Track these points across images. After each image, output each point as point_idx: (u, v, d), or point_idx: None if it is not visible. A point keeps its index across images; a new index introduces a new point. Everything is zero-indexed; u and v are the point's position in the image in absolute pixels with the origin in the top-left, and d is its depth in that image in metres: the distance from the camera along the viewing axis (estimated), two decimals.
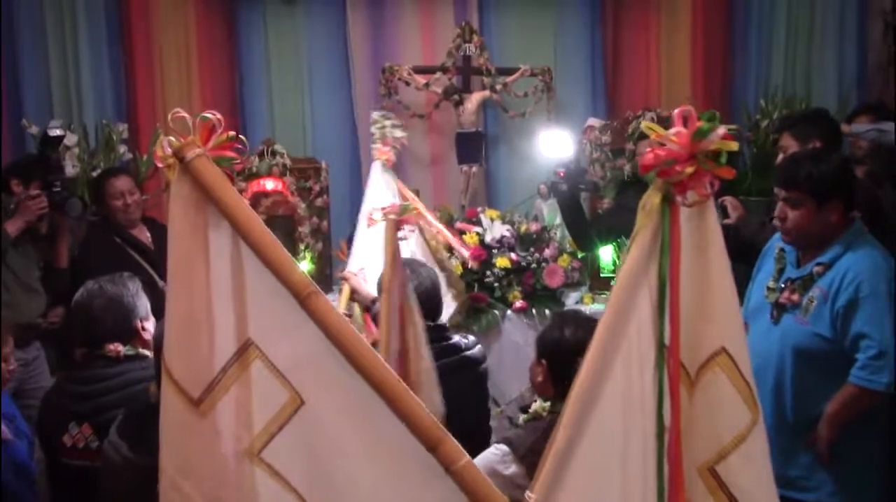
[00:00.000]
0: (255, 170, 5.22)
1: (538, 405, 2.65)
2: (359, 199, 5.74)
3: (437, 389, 2.54)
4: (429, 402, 2.51)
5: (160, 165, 1.50)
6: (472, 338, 3.50)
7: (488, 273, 4.99)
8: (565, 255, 5.14)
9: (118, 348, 2.84)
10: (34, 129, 5.38)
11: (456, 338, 3.31)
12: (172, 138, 1.46)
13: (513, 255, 5.06)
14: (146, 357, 2.90)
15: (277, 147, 5.28)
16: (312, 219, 5.31)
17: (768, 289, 3.30)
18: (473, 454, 2.99)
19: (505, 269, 5.01)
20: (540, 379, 2.68)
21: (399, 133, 4.21)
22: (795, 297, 3.17)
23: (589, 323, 2.68)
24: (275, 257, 1.37)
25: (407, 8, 5.87)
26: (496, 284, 5.00)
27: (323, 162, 5.40)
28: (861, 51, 5.76)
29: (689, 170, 1.29)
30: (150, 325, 2.98)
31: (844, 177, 3.14)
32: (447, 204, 5.64)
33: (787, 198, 3.17)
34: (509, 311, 5.00)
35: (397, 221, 3.04)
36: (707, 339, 1.44)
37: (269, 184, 5.22)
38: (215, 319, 1.43)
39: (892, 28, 5.65)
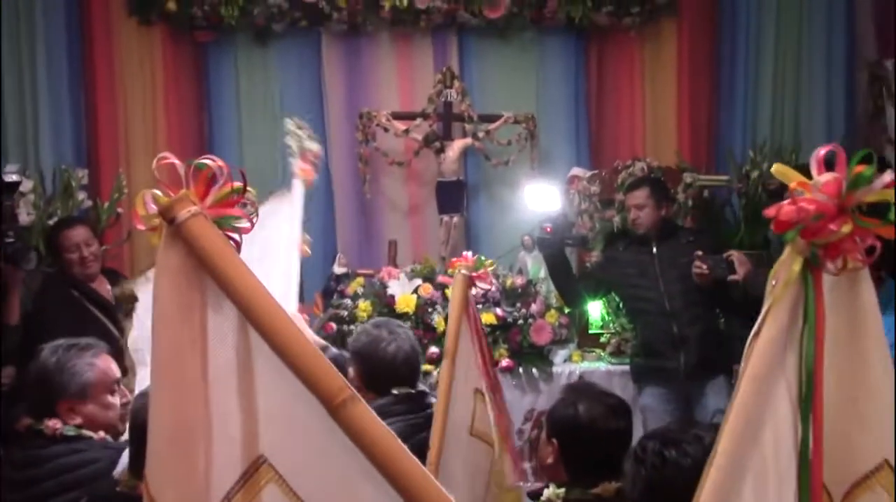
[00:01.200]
0: None
1: (551, 491, 2.36)
2: (332, 250, 5.49)
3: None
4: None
5: (141, 227, 1.17)
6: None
7: None
8: (553, 311, 4.89)
9: (56, 425, 2.47)
10: (27, 186, 5.01)
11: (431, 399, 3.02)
12: (158, 192, 1.13)
13: (498, 311, 4.79)
14: (90, 438, 2.54)
15: (248, 195, 4.95)
16: None
17: None
18: None
19: (490, 326, 4.73)
20: (550, 460, 2.41)
21: (314, 146, 3.67)
22: None
23: (604, 398, 2.42)
24: (298, 352, 1.04)
25: (384, 51, 5.66)
26: None
27: None
28: (849, 100, 5.67)
29: (847, 228, 1.02)
30: (96, 404, 2.62)
31: None
32: (426, 255, 5.38)
33: None
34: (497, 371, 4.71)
35: (471, 278, 2.69)
36: (862, 451, 1.15)
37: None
38: (216, 430, 1.10)
39: (878, 78, 5.57)
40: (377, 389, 2.82)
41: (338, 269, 5.12)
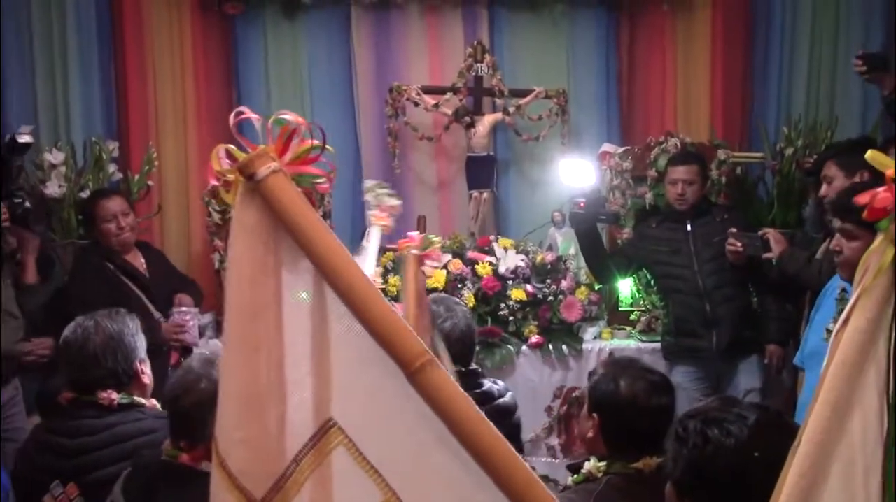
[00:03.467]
0: None
1: (591, 464, 2.37)
2: (361, 225, 5.48)
3: None
4: None
5: (214, 183, 1.15)
6: (502, 383, 3.20)
7: (502, 305, 4.70)
8: (583, 288, 4.87)
9: (112, 396, 2.50)
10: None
11: (488, 385, 3.02)
12: (233, 147, 1.11)
13: (528, 287, 4.77)
14: (143, 406, 2.58)
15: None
16: None
17: (828, 331, 3.05)
18: None
19: (520, 302, 4.72)
20: (591, 434, 2.42)
21: (394, 201, 3.79)
22: None
23: (647, 374, 2.41)
24: (378, 314, 1.00)
25: (415, 25, 5.60)
26: (511, 317, 4.71)
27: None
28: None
29: None
30: (147, 368, 2.65)
31: None
32: (454, 230, 5.36)
33: (842, 230, 2.94)
34: (524, 347, 4.71)
35: (420, 256, 2.74)
36: None
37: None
38: (288, 393, 1.07)
39: None
40: None
41: (366, 245, 5.10)
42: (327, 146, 1.11)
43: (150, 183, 5.06)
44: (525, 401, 4.65)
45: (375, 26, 5.59)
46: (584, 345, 4.76)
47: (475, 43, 5.36)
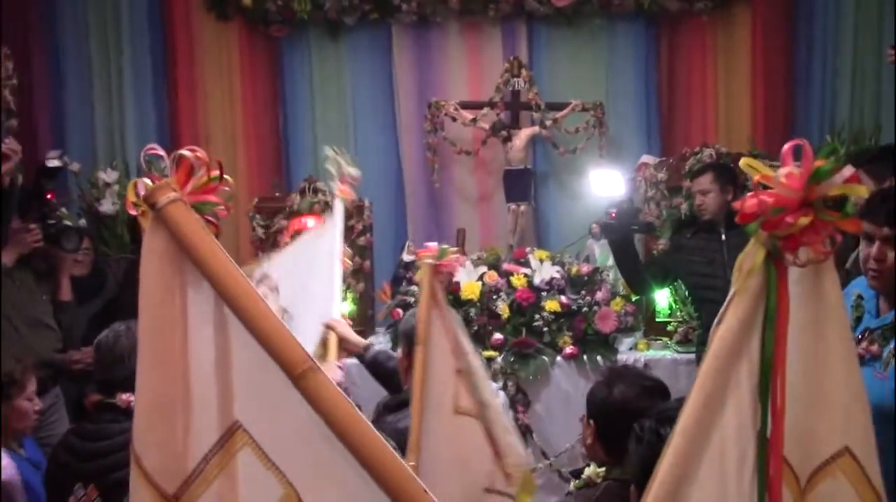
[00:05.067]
0: (296, 207, 5.06)
1: (591, 470, 2.41)
2: (403, 238, 5.60)
3: (516, 436, 2.31)
4: (515, 451, 2.30)
5: (133, 212, 1.27)
6: (494, 385, 3.25)
7: (537, 317, 4.75)
8: (618, 299, 4.88)
9: (129, 398, 2.62)
10: (75, 167, 5.30)
11: None
12: (147, 180, 1.22)
13: (563, 298, 4.81)
14: None
15: (319, 184, 5.12)
16: (354, 258, 5.11)
17: None
18: None
19: (554, 313, 4.76)
20: (589, 441, 2.45)
21: (354, 171, 3.88)
22: (875, 348, 2.88)
23: (641, 380, 2.44)
24: (264, 325, 1.13)
25: (454, 42, 5.73)
26: (545, 328, 4.75)
27: (366, 200, 5.22)
28: None
29: (805, 220, 1.05)
30: None
31: None
32: (494, 244, 5.43)
33: (888, 237, 2.85)
34: (559, 358, 4.74)
35: (436, 266, 2.83)
36: (824, 437, 1.18)
37: (311, 223, 5.04)
38: (194, 398, 1.20)
39: None
40: None
41: (406, 257, 5.21)
42: (226, 176, 1.21)
43: None
44: (559, 412, 4.71)
45: (416, 44, 5.73)
46: (620, 356, 4.78)
47: (512, 58, 5.45)
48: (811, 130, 5.55)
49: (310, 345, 3.20)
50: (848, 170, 1.05)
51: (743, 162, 1.14)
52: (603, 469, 2.37)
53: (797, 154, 1.12)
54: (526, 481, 2.38)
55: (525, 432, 4.65)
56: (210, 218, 1.21)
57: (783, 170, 1.07)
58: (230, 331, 1.16)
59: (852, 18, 5.52)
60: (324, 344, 3.20)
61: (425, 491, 1.02)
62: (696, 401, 1.10)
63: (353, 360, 3.43)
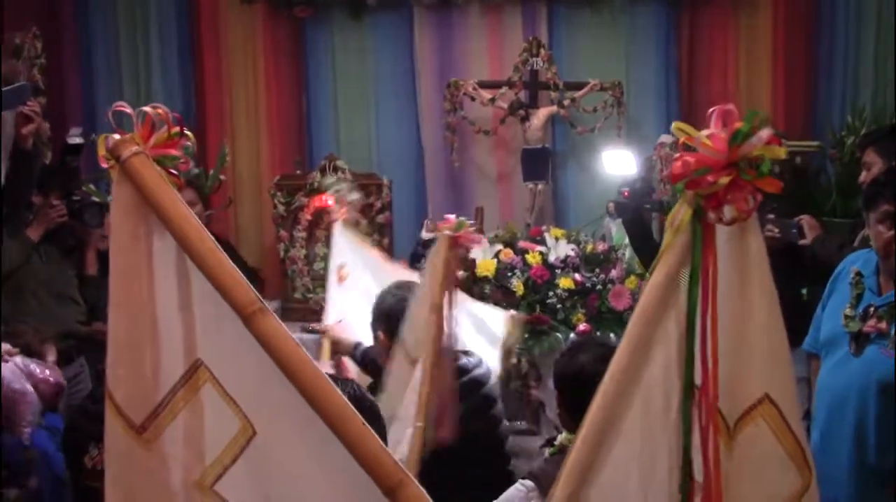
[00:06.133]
0: (316, 185, 5.16)
1: (563, 437, 2.48)
2: (422, 216, 5.67)
3: None
4: None
5: (104, 165, 1.35)
6: (476, 356, 3.32)
7: (551, 294, 4.81)
8: (633, 277, 4.91)
9: None
10: None
11: (463, 360, 3.14)
12: (117, 136, 1.30)
13: (577, 276, 4.86)
14: None
15: (339, 163, 5.21)
16: (374, 235, 5.21)
17: (846, 317, 3.04)
18: (494, 477, 2.83)
19: (568, 290, 4.81)
20: (558, 409, 2.52)
21: (354, 196, 4.10)
22: (883, 326, 2.90)
23: (603, 349, 2.49)
24: (217, 270, 1.22)
25: (475, 22, 5.77)
26: (559, 306, 4.80)
27: (385, 178, 5.31)
28: None
29: (725, 180, 1.11)
30: None
31: None
32: (512, 222, 5.49)
33: None
34: (572, 334, 4.79)
35: (454, 237, 2.90)
36: (747, 385, 1.24)
37: (331, 200, 5.14)
38: (161, 338, 1.29)
39: None
40: None
41: (425, 235, 5.28)
42: (186, 132, 1.30)
43: (222, 177, 5.37)
44: None
45: (437, 25, 5.78)
46: None
47: (531, 38, 5.48)
48: (832, 113, 5.54)
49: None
50: (766, 133, 1.11)
51: (675, 126, 1.20)
52: (573, 436, 2.43)
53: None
54: None
55: (538, 407, 4.72)
56: (172, 170, 1.29)
57: (705, 132, 1.13)
58: (191, 276, 1.25)
59: (874, 2, 5.47)
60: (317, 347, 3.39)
61: (363, 424, 1.11)
62: (626, 350, 1.17)
63: None
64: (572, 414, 2.40)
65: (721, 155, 1.13)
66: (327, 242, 5.20)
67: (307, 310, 4.99)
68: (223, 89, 5.80)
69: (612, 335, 4.80)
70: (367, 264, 3.89)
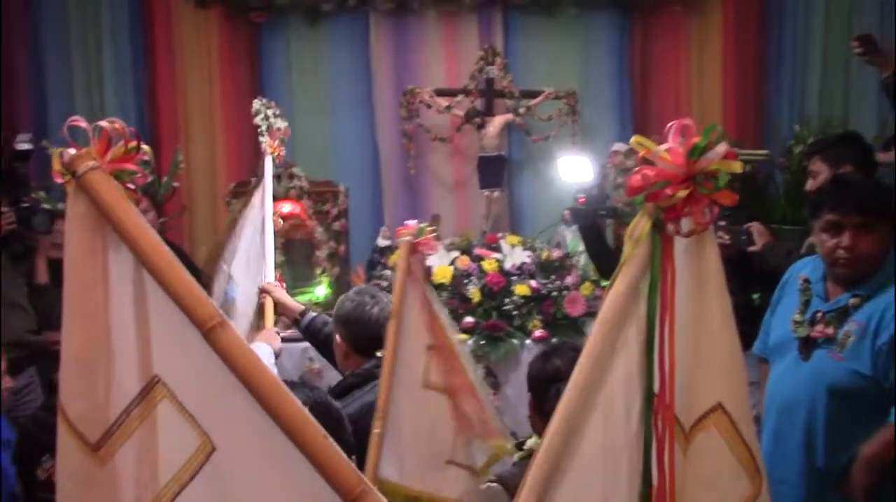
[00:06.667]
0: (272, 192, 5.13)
1: (532, 442, 2.49)
2: (378, 224, 5.68)
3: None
4: (497, 423, 2.39)
5: (59, 181, 1.36)
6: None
7: (507, 301, 4.84)
8: (587, 283, 4.97)
9: None
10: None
11: None
12: (72, 150, 1.29)
13: (533, 283, 4.90)
14: None
15: (295, 170, 5.20)
16: (330, 243, 5.21)
17: (795, 322, 3.10)
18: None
19: (524, 297, 4.85)
20: (529, 413, 2.54)
21: (282, 123, 3.89)
22: (830, 331, 2.97)
23: (573, 352, 2.53)
24: (176, 284, 1.21)
25: (431, 30, 5.80)
26: (515, 312, 4.84)
27: (342, 185, 5.30)
28: None
29: (683, 193, 1.14)
30: None
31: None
32: (468, 229, 5.52)
33: (862, 224, 2.92)
34: (528, 341, 4.83)
35: (414, 244, 2.91)
36: (701, 393, 1.26)
37: (286, 208, 5.12)
38: (116, 353, 1.28)
39: None
40: (363, 352, 2.97)
41: (381, 242, 5.30)
42: (143, 146, 1.29)
43: (175, 184, 5.31)
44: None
45: (393, 31, 5.80)
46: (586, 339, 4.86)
47: (486, 46, 5.53)
48: (781, 119, 5.65)
49: (250, 309, 3.25)
50: (723, 148, 1.14)
51: (633, 140, 1.23)
52: (542, 440, 2.45)
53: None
54: (497, 454, 2.47)
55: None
56: (129, 185, 1.29)
57: (664, 147, 1.16)
58: (148, 290, 1.24)
59: (822, 11, 5.61)
60: (260, 309, 3.24)
61: (325, 436, 1.11)
62: (588, 359, 1.19)
63: None
64: (545, 418, 2.42)
65: (679, 169, 1.16)
66: (283, 250, 5.20)
67: None
68: (177, 95, 5.75)
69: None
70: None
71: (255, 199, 3.60)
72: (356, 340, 2.91)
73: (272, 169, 3.63)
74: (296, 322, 3.30)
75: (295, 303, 3.31)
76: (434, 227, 5.08)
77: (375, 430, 2.47)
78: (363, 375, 2.85)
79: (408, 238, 2.78)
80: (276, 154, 3.60)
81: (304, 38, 5.81)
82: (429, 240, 2.96)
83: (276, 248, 5.03)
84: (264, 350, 2.95)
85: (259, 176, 5.01)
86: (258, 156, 5.78)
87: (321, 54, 5.83)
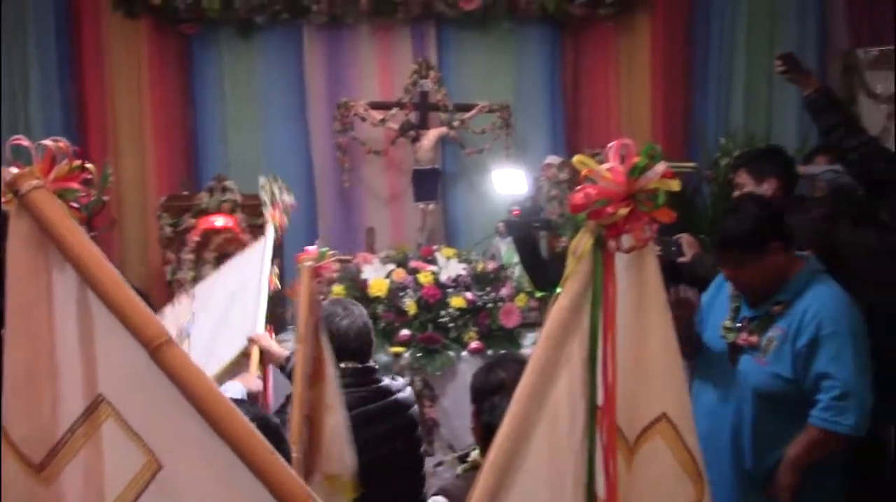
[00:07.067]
0: (204, 206, 5.08)
1: (476, 453, 2.52)
2: (313, 237, 5.64)
3: (349, 446, 2.40)
4: (338, 460, 2.37)
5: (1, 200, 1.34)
6: (402, 380, 3.38)
7: (443, 313, 4.87)
8: (522, 295, 5.03)
9: None
10: None
11: (386, 381, 3.19)
12: (14, 169, 1.28)
13: (468, 295, 4.94)
14: None
15: (228, 183, 5.15)
16: None
17: (725, 328, 3.20)
18: (411, 498, 2.86)
19: (460, 309, 4.89)
20: (472, 425, 2.56)
21: (288, 198, 4.06)
22: (754, 339, 3.08)
23: (521, 365, 2.56)
24: (122, 303, 1.21)
25: (365, 43, 5.80)
26: (451, 324, 4.87)
27: None
28: None
29: (624, 211, 1.18)
30: None
31: (770, 219, 3.08)
32: (403, 242, 5.53)
33: (726, 260, 3.10)
34: (464, 352, 4.86)
35: (314, 269, 2.97)
36: (646, 403, 1.31)
37: (219, 221, 5.08)
38: (60, 373, 1.27)
39: (850, 68, 5.66)
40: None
41: None
42: (88, 165, 1.29)
43: (105, 198, 5.21)
44: (465, 405, 4.76)
45: (327, 44, 5.79)
46: (523, 350, 4.91)
47: (420, 60, 5.55)
48: (708, 132, 5.80)
49: (228, 357, 3.29)
50: (662, 167, 1.18)
51: (576, 159, 1.26)
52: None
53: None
54: (339, 489, 2.46)
55: (432, 426, 4.76)
56: (73, 204, 1.27)
57: (605, 166, 1.20)
58: (93, 309, 1.23)
59: (745, 29, 5.78)
60: (247, 356, 3.30)
61: (272, 451, 1.12)
62: (532, 373, 1.22)
63: None
64: (488, 429, 2.44)
65: (620, 187, 1.20)
66: (216, 264, 5.13)
67: None
68: (106, 107, 5.64)
69: (503, 352, 4.89)
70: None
71: (253, 255, 3.74)
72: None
73: (273, 235, 3.77)
74: (281, 368, 3.33)
75: (280, 349, 3.34)
76: (366, 246, 5.12)
77: (294, 454, 2.47)
78: None
79: (309, 263, 2.83)
80: (279, 224, 3.75)
81: (236, 51, 5.76)
82: (329, 265, 3.03)
83: (208, 263, 5.04)
84: (235, 387, 2.97)
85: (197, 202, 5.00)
86: (189, 168, 5.75)
87: (254, 67, 5.79)
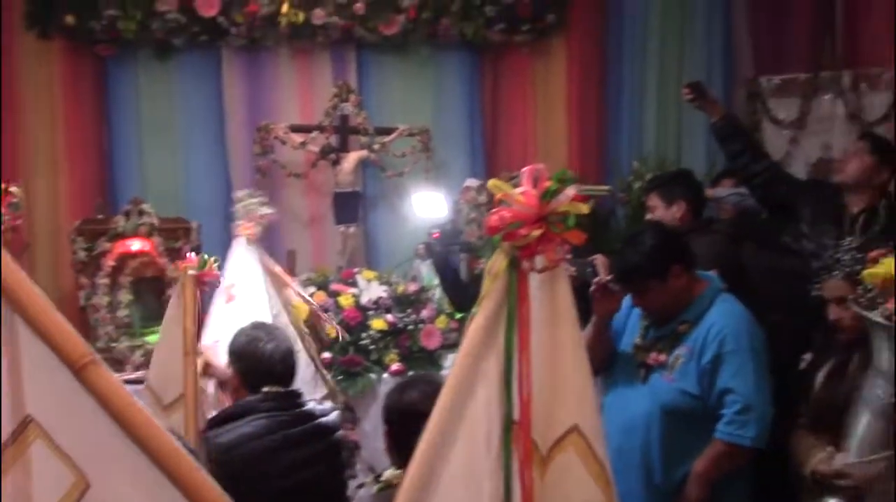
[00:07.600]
0: (121, 230, 5.01)
1: (390, 473, 2.54)
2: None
3: None
4: None
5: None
6: (328, 404, 3.40)
7: (364, 335, 4.89)
8: (443, 316, 5.09)
9: None
10: None
11: (310, 405, 3.20)
12: None
13: (389, 317, 4.97)
14: None
15: (145, 206, 5.08)
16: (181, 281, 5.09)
17: (636, 347, 3.31)
18: None
19: (381, 332, 4.92)
20: (385, 445, 2.59)
21: (265, 209, 4.13)
22: (662, 358, 3.20)
23: (433, 387, 2.60)
24: (46, 323, 1.23)
25: (284, 66, 5.81)
26: (372, 347, 4.89)
27: (194, 221, 5.22)
28: None
29: (536, 233, 1.24)
30: None
31: (667, 244, 3.21)
32: (324, 265, 5.54)
33: (630, 288, 3.23)
34: (386, 375, 4.89)
35: (197, 276, 3.01)
36: (559, 417, 1.36)
37: (136, 245, 5.01)
38: None
39: (754, 95, 5.91)
40: (253, 387, 3.01)
41: None
42: (13, 190, 1.30)
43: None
44: None
45: (246, 68, 5.77)
46: (444, 372, 4.95)
47: (340, 83, 5.59)
48: (621, 156, 5.97)
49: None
50: (572, 191, 1.25)
51: (491, 183, 1.32)
52: (400, 471, 2.50)
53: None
54: None
55: (354, 448, 4.76)
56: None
57: (519, 189, 1.26)
58: (18, 329, 1.24)
59: (657, 56, 5.97)
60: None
61: (197, 467, 1.14)
62: (449, 390, 1.27)
63: None
64: (401, 449, 2.46)
65: (533, 210, 1.26)
66: (132, 289, 5.06)
67: (111, 360, 4.80)
68: (17, 128, 5.49)
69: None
70: (263, 286, 3.93)
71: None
72: (246, 374, 2.98)
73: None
74: (222, 384, 3.33)
75: (222, 366, 3.34)
76: (287, 268, 5.11)
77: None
78: (244, 407, 2.91)
79: (192, 272, 2.89)
80: (250, 234, 3.98)
81: (153, 73, 5.70)
82: (212, 272, 3.10)
83: (124, 288, 4.97)
84: None
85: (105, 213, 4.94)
86: (104, 192, 5.65)
87: (172, 89, 5.73)
